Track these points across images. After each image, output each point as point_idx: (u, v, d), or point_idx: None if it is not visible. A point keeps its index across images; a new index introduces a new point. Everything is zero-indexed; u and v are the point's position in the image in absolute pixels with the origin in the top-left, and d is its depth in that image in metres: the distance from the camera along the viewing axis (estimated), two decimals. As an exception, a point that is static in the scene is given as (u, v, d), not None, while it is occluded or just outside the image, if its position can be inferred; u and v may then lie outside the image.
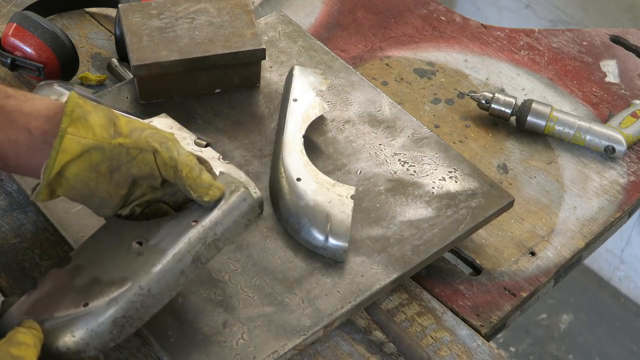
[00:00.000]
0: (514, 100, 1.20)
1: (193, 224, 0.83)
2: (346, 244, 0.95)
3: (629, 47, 1.37)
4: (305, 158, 1.02)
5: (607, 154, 1.19)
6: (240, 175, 0.91)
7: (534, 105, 1.19)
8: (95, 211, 0.87)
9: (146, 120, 0.94)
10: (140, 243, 0.84)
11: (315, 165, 1.02)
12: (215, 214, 0.83)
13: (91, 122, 0.82)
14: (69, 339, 0.78)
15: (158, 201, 0.88)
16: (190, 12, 1.13)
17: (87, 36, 1.29)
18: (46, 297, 0.81)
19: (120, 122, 0.84)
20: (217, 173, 0.88)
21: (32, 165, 0.84)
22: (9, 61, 1.17)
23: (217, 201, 0.84)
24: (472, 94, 1.22)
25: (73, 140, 0.81)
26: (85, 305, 0.80)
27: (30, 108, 0.83)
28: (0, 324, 0.81)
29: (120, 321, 0.80)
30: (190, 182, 0.83)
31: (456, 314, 1.00)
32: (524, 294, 1.03)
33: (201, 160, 0.88)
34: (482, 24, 1.39)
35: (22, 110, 0.83)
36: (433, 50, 1.34)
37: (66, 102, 0.83)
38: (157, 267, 0.81)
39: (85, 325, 0.79)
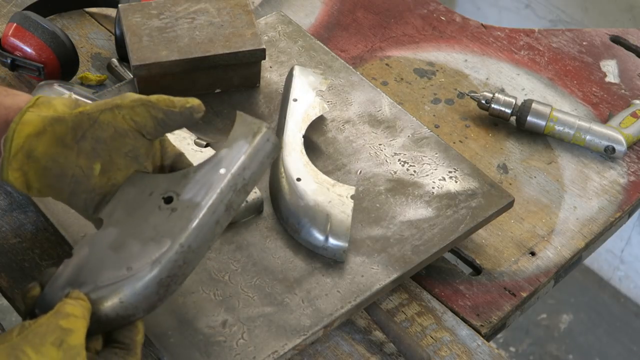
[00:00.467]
0: (514, 100, 1.20)
1: (222, 172, 0.83)
2: (346, 244, 0.95)
3: (629, 47, 1.37)
4: (305, 158, 1.02)
5: (607, 154, 1.18)
6: None
7: (534, 105, 1.19)
8: (72, 200, 0.86)
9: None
10: (170, 198, 0.83)
11: (315, 165, 1.02)
12: (243, 159, 0.83)
13: (53, 103, 0.85)
14: (118, 305, 0.78)
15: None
16: (190, 12, 1.13)
17: (87, 36, 1.29)
18: (86, 265, 0.81)
19: (82, 102, 0.86)
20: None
21: None
22: (9, 61, 1.17)
23: (242, 145, 0.83)
24: (472, 94, 1.22)
25: (33, 114, 0.83)
26: (129, 269, 0.79)
27: (11, 102, 0.85)
28: (44, 296, 0.80)
29: (166, 281, 0.80)
30: (166, 102, 0.84)
31: (456, 314, 1.00)
32: (524, 294, 1.03)
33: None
34: (482, 24, 1.39)
35: (3, 104, 0.85)
36: (433, 50, 1.34)
37: None
38: (194, 222, 0.81)
39: (132, 289, 0.79)
